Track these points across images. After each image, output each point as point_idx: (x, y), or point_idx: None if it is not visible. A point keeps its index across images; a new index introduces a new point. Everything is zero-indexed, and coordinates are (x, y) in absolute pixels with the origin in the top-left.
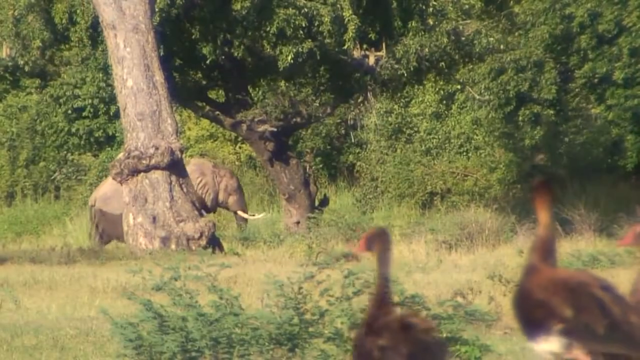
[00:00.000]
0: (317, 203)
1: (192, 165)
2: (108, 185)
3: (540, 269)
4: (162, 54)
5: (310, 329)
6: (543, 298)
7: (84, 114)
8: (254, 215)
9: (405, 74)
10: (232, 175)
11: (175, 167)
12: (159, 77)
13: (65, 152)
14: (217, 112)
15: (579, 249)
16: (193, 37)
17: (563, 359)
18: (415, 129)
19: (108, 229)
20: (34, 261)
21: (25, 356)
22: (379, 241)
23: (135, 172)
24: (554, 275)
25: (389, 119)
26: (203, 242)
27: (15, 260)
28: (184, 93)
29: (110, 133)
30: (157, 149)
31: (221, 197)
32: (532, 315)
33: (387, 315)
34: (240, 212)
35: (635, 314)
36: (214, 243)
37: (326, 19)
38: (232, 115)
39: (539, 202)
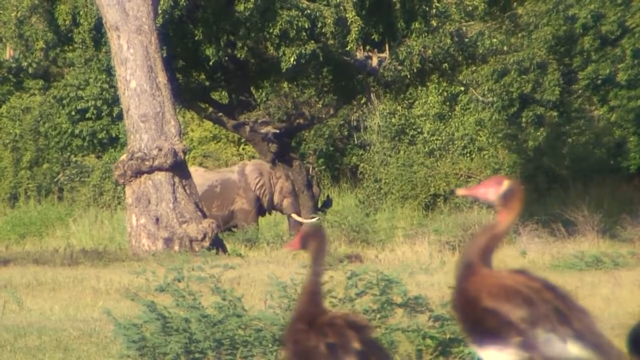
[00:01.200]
0: (320, 204)
1: (251, 166)
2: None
3: (478, 270)
4: (165, 55)
5: None
6: (494, 306)
7: (87, 115)
8: (310, 219)
9: (409, 76)
10: (287, 178)
11: (179, 169)
12: (162, 78)
13: (68, 153)
14: (220, 114)
15: (582, 251)
16: (196, 38)
17: None
18: (419, 130)
19: None
20: (37, 262)
21: (29, 357)
22: (314, 239)
23: (138, 173)
24: (501, 281)
25: (392, 120)
26: (206, 243)
27: (18, 261)
28: (187, 94)
29: (114, 134)
30: (160, 150)
31: (276, 199)
32: (482, 324)
33: (320, 313)
34: (294, 215)
35: (587, 317)
36: (217, 244)
37: (329, 21)
38: (235, 117)
39: (512, 205)
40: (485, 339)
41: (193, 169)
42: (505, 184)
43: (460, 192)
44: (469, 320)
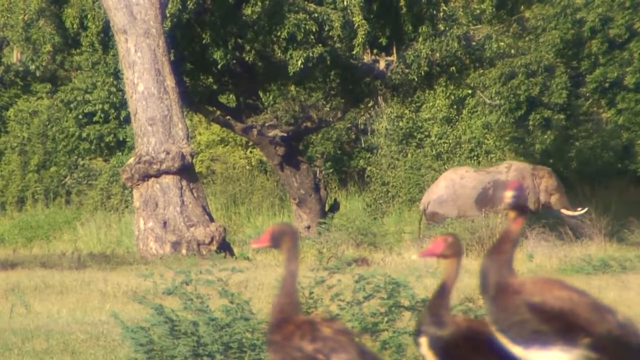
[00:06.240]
0: (327, 208)
1: (512, 172)
2: (443, 189)
3: (514, 279)
4: (173, 58)
5: None
6: (562, 308)
7: (94, 118)
8: (578, 211)
9: (416, 79)
10: (550, 175)
11: (186, 172)
12: (169, 81)
13: (76, 157)
14: (228, 117)
15: (590, 254)
16: (204, 41)
17: None
18: (426, 133)
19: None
20: (45, 266)
21: None
22: (287, 238)
23: (146, 177)
24: (558, 284)
25: (400, 123)
26: (214, 247)
27: (26, 265)
28: (194, 97)
29: (121, 138)
30: (168, 153)
31: (543, 198)
32: (548, 327)
33: (296, 316)
34: (563, 210)
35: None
36: (225, 248)
37: (337, 24)
38: (242, 120)
39: (524, 209)
40: (544, 341)
41: (464, 170)
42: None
43: (507, 196)
44: (522, 324)
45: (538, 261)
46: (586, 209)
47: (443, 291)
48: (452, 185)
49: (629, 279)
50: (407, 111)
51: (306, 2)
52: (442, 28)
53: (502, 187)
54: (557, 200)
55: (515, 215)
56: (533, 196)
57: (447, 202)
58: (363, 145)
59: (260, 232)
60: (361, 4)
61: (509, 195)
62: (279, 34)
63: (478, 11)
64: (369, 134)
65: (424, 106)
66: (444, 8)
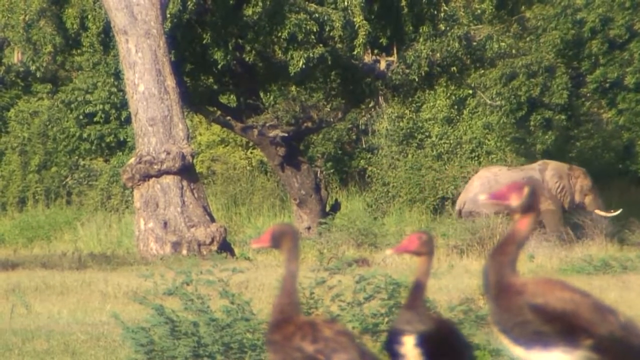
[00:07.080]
0: (328, 208)
1: (550, 170)
2: (478, 188)
3: (516, 279)
4: (173, 59)
5: None
6: (564, 309)
7: (95, 119)
8: (611, 213)
9: (417, 79)
10: (586, 175)
11: (187, 172)
12: (170, 82)
13: (76, 157)
14: (228, 117)
15: (591, 254)
16: (204, 42)
17: None
18: (427, 134)
19: None
20: (45, 266)
21: None
22: (288, 238)
23: (146, 177)
24: (560, 285)
25: (400, 124)
26: (214, 247)
27: (26, 265)
28: (195, 98)
29: (122, 138)
30: (168, 154)
31: (577, 198)
32: (550, 328)
33: (297, 316)
34: (597, 211)
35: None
36: (225, 248)
37: (337, 24)
38: (243, 120)
39: (534, 209)
40: (546, 342)
41: (497, 169)
42: (526, 189)
43: (482, 199)
44: (524, 325)
45: (539, 261)
46: (620, 210)
47: (418, 289)
48: (487, 183)
49: (630, 279)
50: (407, 111)
51: (307, 3)
52: (443, 28)
53: (538, 185)
54: (591, 201)
55: (520, 216)
56: (568, 196)
57: None
58: (364, 145)
59: (260, 232)
60: (362, 4)
61: (513, 197)
62: (279, 34)
63: (479, 11)
64: (369, 134)
65: (425, 106)
66: (445, 8)
